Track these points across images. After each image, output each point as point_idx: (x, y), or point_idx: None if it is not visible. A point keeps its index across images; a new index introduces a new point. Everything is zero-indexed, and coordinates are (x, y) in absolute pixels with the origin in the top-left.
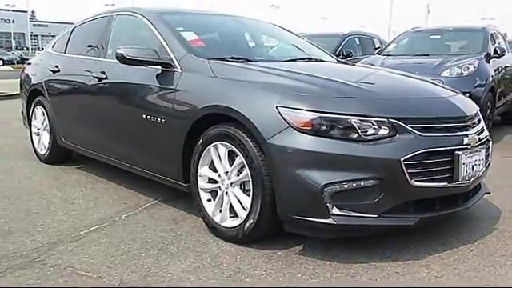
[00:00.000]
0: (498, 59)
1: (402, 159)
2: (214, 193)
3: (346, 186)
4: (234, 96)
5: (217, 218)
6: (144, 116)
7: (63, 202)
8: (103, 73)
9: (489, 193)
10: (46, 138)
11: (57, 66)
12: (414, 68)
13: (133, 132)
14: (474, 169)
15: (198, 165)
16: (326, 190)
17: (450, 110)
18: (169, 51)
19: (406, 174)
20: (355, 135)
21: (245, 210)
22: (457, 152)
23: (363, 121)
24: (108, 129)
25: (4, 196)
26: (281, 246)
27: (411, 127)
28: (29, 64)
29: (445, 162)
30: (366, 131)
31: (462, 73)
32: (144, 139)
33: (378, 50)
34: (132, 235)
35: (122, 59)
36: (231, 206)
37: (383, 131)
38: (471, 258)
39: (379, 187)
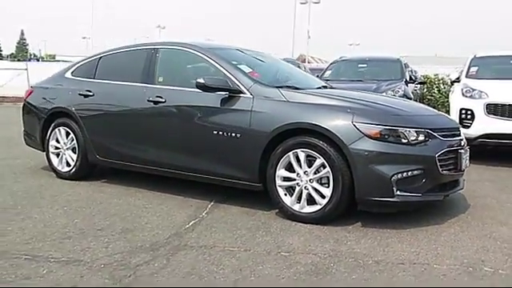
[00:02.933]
0: (412, 84)
1: (436, 155)
2: (289, 188)
3: (403, 175)
4: (316, 115)
5: (296, 207)
6: (215, 132)
7: (136, 208)
8: (160, 97)
9: (464, 179)
10: (70, 156)
11: (89, 91)
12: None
13: (201, 146)
14: (466, 162)
15: (276, 167)
16: (393, 177)
17: (450, 123)
18: (235, 81)
19: (438, 166)
20: (405, 140)
21: (323, 198)
22: (459, 151)
23: (409, 131)
24: (168, 144)
25: (77, 206)
26: (347, 224)
27: (438, 134)
28: (37, 87)
29: (453, 157)
30: (410, 137)
31: (394, 95)
32: (215, 151)
33: None
34: (229, 225)
35: (203, 87)
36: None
37: (421, 137)
38: (472, 222)
39: (423, 175)
